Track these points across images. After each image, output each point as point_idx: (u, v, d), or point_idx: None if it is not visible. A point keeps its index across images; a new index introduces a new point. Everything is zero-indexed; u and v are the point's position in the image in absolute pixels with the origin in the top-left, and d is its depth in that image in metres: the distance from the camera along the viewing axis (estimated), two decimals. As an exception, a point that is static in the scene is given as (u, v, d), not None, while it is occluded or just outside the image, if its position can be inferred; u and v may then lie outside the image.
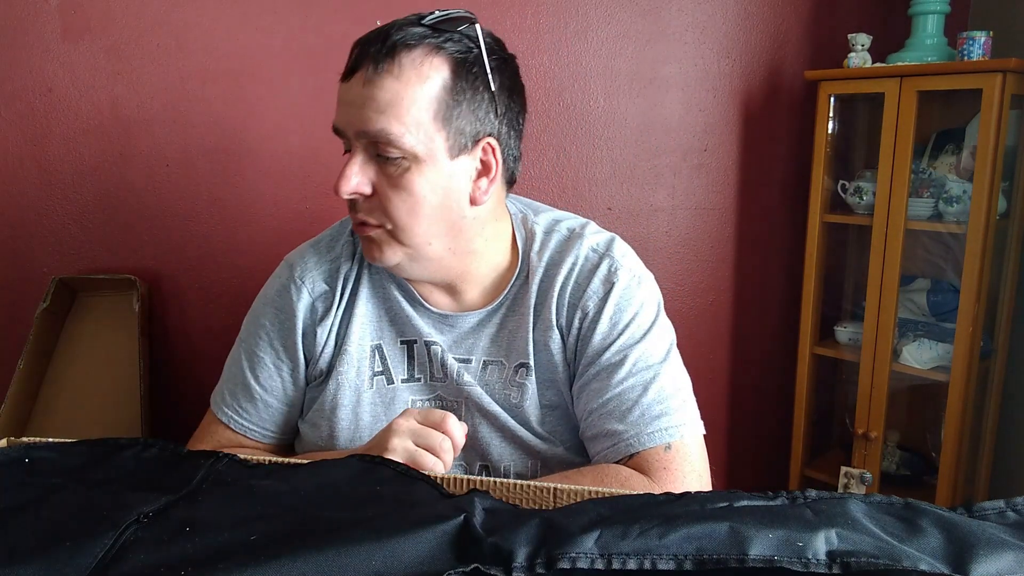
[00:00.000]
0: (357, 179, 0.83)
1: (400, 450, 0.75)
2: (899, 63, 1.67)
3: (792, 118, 1.89)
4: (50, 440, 0.67)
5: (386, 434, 0.78)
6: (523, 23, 1.62)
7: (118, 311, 1.47)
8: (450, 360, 0.93)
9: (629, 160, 1.76)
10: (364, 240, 0.89)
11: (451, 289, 0.94)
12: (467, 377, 0.93)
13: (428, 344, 0.93)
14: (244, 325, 1.00)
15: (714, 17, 1.76)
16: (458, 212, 0.87)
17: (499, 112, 0.86)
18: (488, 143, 0.87)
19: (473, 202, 0.88)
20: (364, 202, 0.85)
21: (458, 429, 0.78)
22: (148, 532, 0.50)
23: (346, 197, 0.85)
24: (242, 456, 0.68)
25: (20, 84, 1.40)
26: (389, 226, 0.86)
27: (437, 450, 0.76)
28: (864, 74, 1.70)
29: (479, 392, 0.92)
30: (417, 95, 0.81)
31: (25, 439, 0.67)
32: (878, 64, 1.71)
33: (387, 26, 0.84)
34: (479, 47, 0.84)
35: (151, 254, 1.51)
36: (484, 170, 0.88)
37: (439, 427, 0.77)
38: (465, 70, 0.83)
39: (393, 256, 0.88)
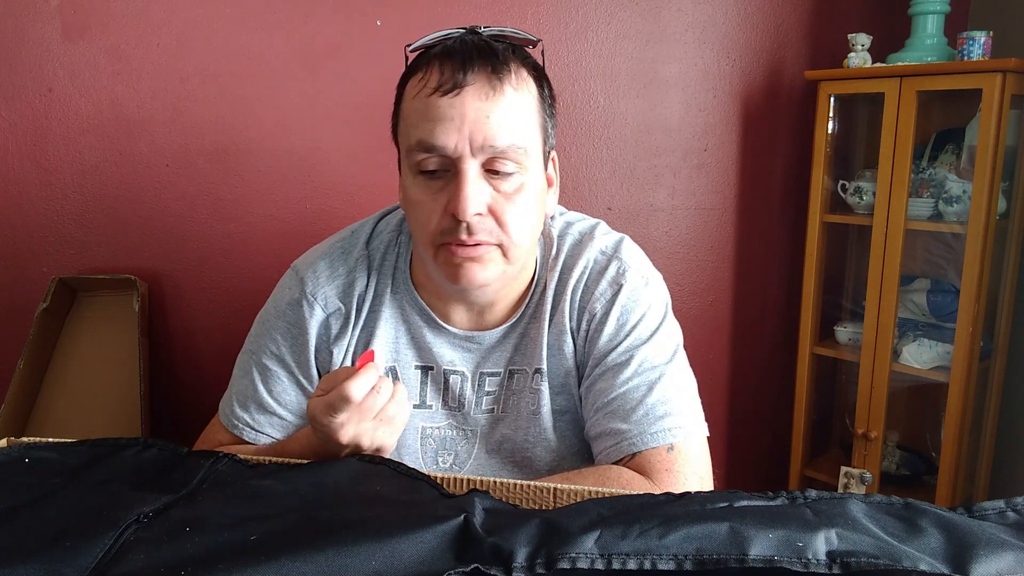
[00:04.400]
0: (480, 198, 0.79)
1: (367, 444, 0.72)
2: (899, 63, 1.67)
3: (792, 118, 1.89)
4: (50, 440, 0.67)
5: (333, 447, 0.73)
6: (523, 23, 1.62)
7: (118, 311, 1.47)
8: (468, 392, 0.92)
9: (629, 160, 1.76)
10: (467, 261, 0.82)
11: (483, 308, 0.92)
12: (485, 406, 0.93)
13: (447, 373, 0.92)
14: (253, 336, 0.97)
15: (714, 17, 1.76)
16: (542, 226, 0.90)
17: (554, 126, 0.90)
18: (553, 156, 0.90)
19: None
20: (479, 221, 0.80)
21: (368, 377, 0.71)
22: (148, 532, 0.50)
23: (469, 219, 0.79)
24: (242, 456, 0.68)
25: (20, 84, 1.40)
26: (505, 242, 0.82)
27: (384, 409, 0.72)
28: (864, 74, 1.70)
29: (493, 421, 0.92)
30: (530, 106, 0.83)
31: (25, 439, 0.67)
32: (878, 64, 1.71)
33: (461, 39, 0.82)
34: (541, 64, 0.87)
35: (151, 254, 1.51)
36: (548, 183, 0.90)
37: (347, 390, 0.70)
38: (542, 84, 0.86)
39: (494, 274, 0.83)
